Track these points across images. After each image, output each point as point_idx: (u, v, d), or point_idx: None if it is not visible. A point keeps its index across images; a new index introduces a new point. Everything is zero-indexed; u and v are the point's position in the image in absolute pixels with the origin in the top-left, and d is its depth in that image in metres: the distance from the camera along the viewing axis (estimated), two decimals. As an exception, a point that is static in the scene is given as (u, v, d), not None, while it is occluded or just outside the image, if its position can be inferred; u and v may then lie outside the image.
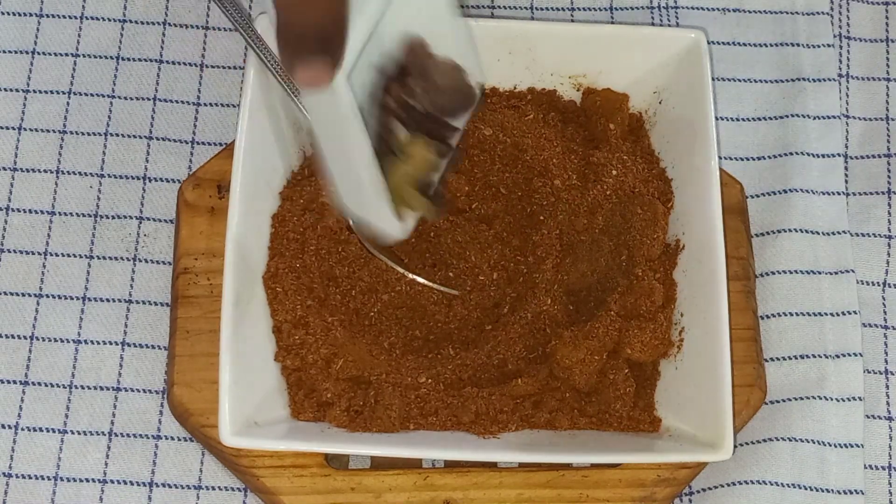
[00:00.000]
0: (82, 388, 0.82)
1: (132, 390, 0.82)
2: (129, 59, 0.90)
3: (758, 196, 0.88)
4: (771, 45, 0.92)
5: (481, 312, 0.81)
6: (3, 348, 0.83)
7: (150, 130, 0.89)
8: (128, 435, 0.82)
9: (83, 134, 0.88)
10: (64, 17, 0.91)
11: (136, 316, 0.84)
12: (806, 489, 0.81)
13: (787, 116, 0.90)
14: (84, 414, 0.82)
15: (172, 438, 0.81)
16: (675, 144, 0.82)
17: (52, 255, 0.85)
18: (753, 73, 0.92)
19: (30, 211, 0.86)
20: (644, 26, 0.91)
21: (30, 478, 0.81)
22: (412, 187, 0.75)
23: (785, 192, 0.88)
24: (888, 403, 0.84)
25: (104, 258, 0.85)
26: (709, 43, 0.82)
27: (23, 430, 0.81)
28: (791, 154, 0.89)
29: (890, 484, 0.83)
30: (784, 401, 0.83)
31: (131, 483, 0.81)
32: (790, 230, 0.87)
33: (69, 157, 0.88)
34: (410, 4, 0.74)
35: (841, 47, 0.93)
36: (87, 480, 0.81)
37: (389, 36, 0.74)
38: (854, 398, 0.83)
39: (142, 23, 0.91)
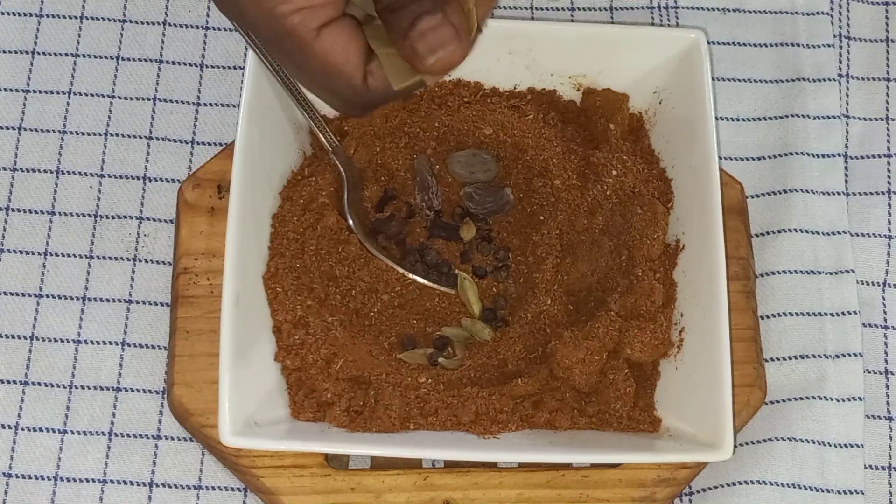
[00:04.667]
0: (82, 388, 0.82)
1: (132, 390, 0.82)
2: (129, 59, 0.90)
3: (758, 196, 0.88)
4: (771, 45, 0.92)
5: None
6: (3, 348, 0.83)
7: (150, 130, 0.89)
8: (128, 435, 0.81)
9: (83, 134, 0.88)
10: (64, 17, 0.91)
11: (136, 316, 0.84)
12: (806, 489, 0.81)
13: (787, 116, 0.90)
14: (84, 414, 0.82)
15: (172, 438, 0.81)
16: (675, 144, 0.82)
17: (52, 255, 0.85)
18: (753, 73, 0.91)
19: (30, 211, 0.86)
20: (644, 26, 0.91)
21: (30, 478, 0.80)
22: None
23: (785, 192, 0.88)
24: (888, 403, 0.84)
25: (104, 258, 0.85)
26: (709, 43, 0.82)
27: (23, 430, 0.81)
28: (791, 154, 0.89)
29: (890, 484, 0.83)
30: (784, 401, 0.83)
31: (131, 483, 0.80)
32: (790, 230, 0.87)
33: (69, 157, 0.88)
34: None
35: (841, 47, 0.93)
36: (87, 480, 0.80)
37: None
38: (854, 398, 0.83)
39: (142, 23, 0.91)
